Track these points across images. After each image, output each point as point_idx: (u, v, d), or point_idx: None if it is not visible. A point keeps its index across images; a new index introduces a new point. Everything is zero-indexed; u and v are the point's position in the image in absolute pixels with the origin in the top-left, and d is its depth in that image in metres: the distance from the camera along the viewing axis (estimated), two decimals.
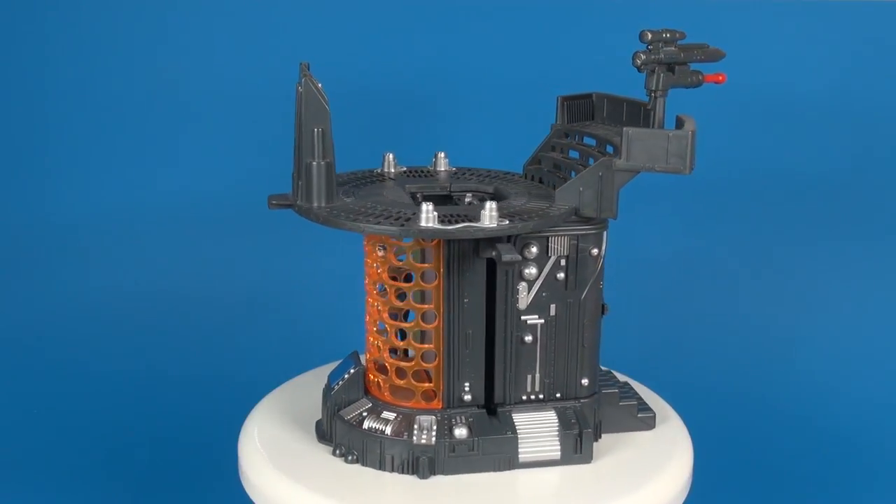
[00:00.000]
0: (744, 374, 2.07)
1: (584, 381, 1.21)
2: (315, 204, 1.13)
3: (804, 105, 2.11)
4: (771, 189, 2.13)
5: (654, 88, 1.18)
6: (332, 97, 1.11)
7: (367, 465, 1.16)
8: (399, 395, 1.20)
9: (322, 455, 1.19)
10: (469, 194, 1.28)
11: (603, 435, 1.24)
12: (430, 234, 1.07)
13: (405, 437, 1.14)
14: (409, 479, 1.14)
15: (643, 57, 1.18)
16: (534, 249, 1.16)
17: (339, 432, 1.18)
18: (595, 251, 1.18)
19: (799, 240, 2.13)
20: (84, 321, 2.16)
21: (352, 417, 1.18)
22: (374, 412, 1.18)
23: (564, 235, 1.16)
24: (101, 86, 2.22)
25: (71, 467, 1.85)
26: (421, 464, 1.14)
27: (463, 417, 1.17)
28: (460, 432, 1.14)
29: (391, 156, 1.34)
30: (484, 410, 1.19)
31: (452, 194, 1.28)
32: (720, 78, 1.21)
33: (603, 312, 1.22)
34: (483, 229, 1.07)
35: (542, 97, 1.38)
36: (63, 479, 1.82)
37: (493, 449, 1.15)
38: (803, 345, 2.09)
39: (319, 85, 1.12)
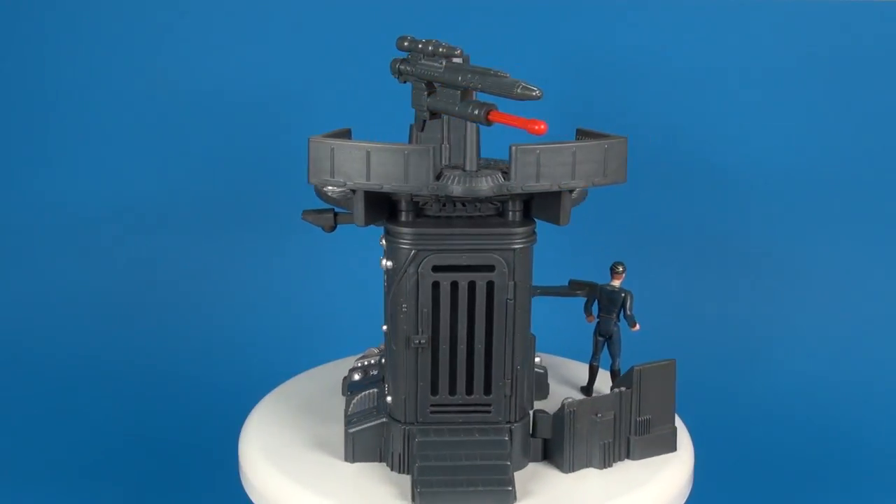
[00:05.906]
0: (744, 374, 2.06)
1: (388, 399, 1.15)
2: None
3: (804, 104, 2.11)
4: (770, 188, 2.13)
5: (412, 104, 1.07)
6: None
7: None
8: None
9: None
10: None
11: None
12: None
13: (350, 372, 1.30)
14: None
15: (399, 66, 1.09)
16: (383, 241, 1.12)
17: None
18: (388, 263, 1.08)
19: (800, 238, 2.13)
20: (83, 321, 2.16)
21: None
22: (372, 356, 1.34)
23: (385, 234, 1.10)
24: (97, 84, 2.21)
25: (70, 467, 1.85)
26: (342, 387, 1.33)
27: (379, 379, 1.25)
28: (359, 381, 1.25)
29: None
30: None
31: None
32: (534, 127, 0.94)
33: (408, 344, 1.09)
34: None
35: None
36: (62, 479, 1.83)
37: (349, 408, 1.23)
38: (804, 345, 2.09)
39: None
